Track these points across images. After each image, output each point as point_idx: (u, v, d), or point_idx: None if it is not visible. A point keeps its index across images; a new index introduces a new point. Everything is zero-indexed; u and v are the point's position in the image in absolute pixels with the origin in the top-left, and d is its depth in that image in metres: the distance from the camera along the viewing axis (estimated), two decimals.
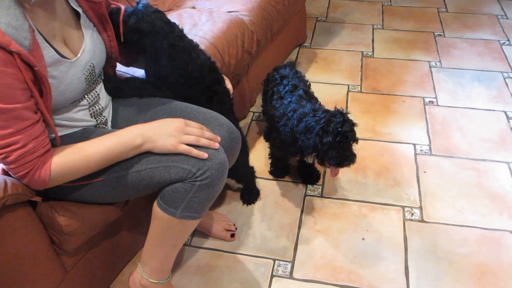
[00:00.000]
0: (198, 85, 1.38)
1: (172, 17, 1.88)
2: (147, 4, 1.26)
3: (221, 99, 1.45)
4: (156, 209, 1.16)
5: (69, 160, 1.03)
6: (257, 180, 1.82)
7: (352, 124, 1.42)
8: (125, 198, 1.21)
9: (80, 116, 1.17)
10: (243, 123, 2.15)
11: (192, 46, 1.36)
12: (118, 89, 1.31)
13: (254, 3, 1.98)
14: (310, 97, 1.65)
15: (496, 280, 1.44)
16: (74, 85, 1.08)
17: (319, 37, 2.79)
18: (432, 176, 1.82)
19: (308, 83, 1.76)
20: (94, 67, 1.15)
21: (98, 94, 1.21)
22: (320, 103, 1.63)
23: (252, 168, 1.74)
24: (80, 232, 1.19)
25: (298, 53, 2.64)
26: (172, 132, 1.09)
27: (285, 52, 2.53)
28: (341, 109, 1.44)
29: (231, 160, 1.30)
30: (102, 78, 1.27)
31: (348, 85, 2.36)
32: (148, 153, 1.10)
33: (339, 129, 1.37)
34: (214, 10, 1.93)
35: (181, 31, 1.34)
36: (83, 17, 1.14)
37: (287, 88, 1.67)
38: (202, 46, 1.67)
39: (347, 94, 2.30)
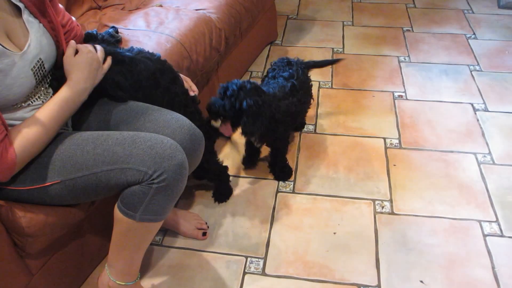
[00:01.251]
0: (156, 90, 1.36)
1: (139, 16, 1.86)
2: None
3: (183, 102, 1.43)
4: (117, 212, 1.14)
5: (28, 134, 1.04)
6: (232, 179, 1.82)
7: (247, 93, 1.49)
8: (86, 200, 1.19)
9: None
10: None
11: (137, 59, 1.33)
12: None
13: (222, 0, 1.97)
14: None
15: (464, 269, 1.46)
16: (22, 79, 1.05)
17: (290, 35, 2.79)
18: (402, 169, 1.84)
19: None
20: (43, 62, 1.13)
21: (51, 93, 1.19)
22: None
23: (225, 167, 1.73)
24: (42, 233, 1.16)
25: (269, 50, 2.64)
26: (97, 66, 1.20)
27: (256, 50, 2.53)
28: (238, 82, 1.52)
29: (193, 162, 1.28)
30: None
31: (319, 82, 2.37)
32: (104, 153, 1.09)
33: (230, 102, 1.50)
34: (181, 8, 1.92)
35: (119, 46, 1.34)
36: (26, 12, 1.11)
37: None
38: (168, 44, 1.66)
39: (318, 90, 2.31)
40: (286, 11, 3.05)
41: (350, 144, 1.97)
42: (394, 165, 1.86)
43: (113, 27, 1.68)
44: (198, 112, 1.51)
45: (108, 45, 1.32)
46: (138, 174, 1.07)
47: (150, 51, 1.61)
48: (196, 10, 1.90)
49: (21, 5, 1.10)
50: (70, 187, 1.10)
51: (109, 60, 1.24)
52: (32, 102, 1.12)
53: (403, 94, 2.26)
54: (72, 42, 1.21)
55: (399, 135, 2.01)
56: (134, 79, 1.30)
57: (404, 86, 2.31)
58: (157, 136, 1.13)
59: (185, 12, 1.86)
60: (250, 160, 1.90)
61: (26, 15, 1.11)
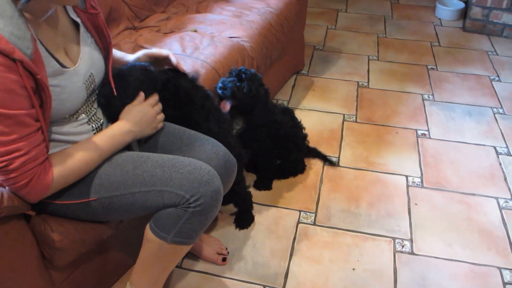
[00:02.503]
0: (192, 106, 1.39)
1: (174, 39, 1.91)
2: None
3: (217, 117, 1.47)
4: (148, 232, 1.16)
5: (69, 163, 1.06)
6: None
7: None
8: (119, 218, 1.21)
9: (79, 130, 1.17)
10: None
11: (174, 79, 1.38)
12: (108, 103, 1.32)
13: (255, 30, 2.02)
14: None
15: None
16: (76, 94, 1.09)
17: (316, 65, 2.84)
18: (423, 209, 1.84)
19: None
20: (94, 77, 1.17)
21: (96, 109, 1.22)
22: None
23: (249, 193, 1.75)
24: (71, 248, 1.19)
25: (295, 80, 2.68)
26: (151, 119, 1.24)
27: (283, 79, 2.58)
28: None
29: (226, 187, 1.31)
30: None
31: (344, 115, 2.40)
32: (143, 174, 1.11)
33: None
34: (215, 35, 1.97)
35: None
36: (82, 28, 1.16)
37: None
38: (203, 70, 1.70)
39: (343, 123, 2.33)
40: (313, 42, 3.10)
41: (372, 180, 1.98)
42: (416, 204, 1.86)
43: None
44: (230, 132, 1.55)
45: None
46: (175, 197, 1.09)
47: None
48: (230, 37, 1.95)
49: (78, 20, 1.15)
50: (106, 205, 1.13)
51: (161, 124, 1.29)
52: (78, 117, 1.16)
53: (426, 132, 2.27)
54: (142, 95, 1.25)
55: (422, 174, 2.01)
56: (175, 99, 1.35)
57: (427, 124, 2.33)
58: (196, 162, 1.15)
59: (220, 39, 1.91)
60: (261, 182, 1.93)
61: (82, 30, 1.15)
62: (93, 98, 1.22)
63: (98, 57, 1.20)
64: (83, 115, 1.17)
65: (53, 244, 1.15)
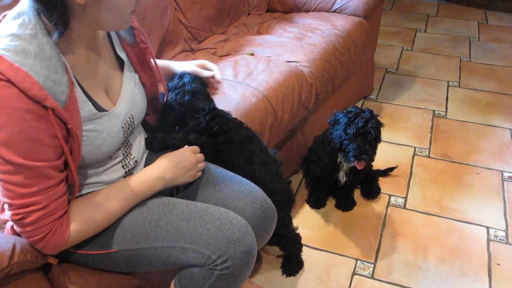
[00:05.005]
0: (229, 144, 1.25)
1: (228, 63, 1.80)
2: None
3: (263, 160, 1.30)
4: None
5: (88, 216, 0.95)
6: (303, 250, 1.64)
7: (378, 123, 1.53)
8: (141, 271, 1.09)
9: (112, 175, 1.07)
10: (294, 178, 1.99)
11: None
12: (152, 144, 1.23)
13: (317, 54, 1.85)
14: None
15: None
16: (112, 138, 0.98)
17: (386, 90, 2.59)
18: (507, 271, 1.54)
19: None
20: (133, 118, 1.06)
21: (131, 145, 1.12)
22: None
23: (298, 235, 1.57)
24: None
25: (362, 105, 2.46)
26: (189, 166, 1.10)
27: (348, 104, 2.36)
28: (371, 109, 1.55)
29: (263, 239, 1.15)
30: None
31: (415, 148, 2.13)
32: (167, 227, 0.99)
33: (363, 123, 1.47)
34: (272, 58, 1.82)
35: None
36: (127, 65, 1.06)
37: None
38: (253, 98, 1.57)
39: (413, 157, 2.07)
40: (385, 64, 2.86)
41: (445, 228, 1.71)
42: (498, 264, 1.56)
43: None
44: (278, 174, 1.38)
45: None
46: (200, 257, 0.95)
47: (235, 104, 1.54)
48: (288, 62, 1.80)
49: (124, 57, 1.05)
50: (127, 258, 1.01)
51: (199, 173, 1.15)
52: (113, 156, 1.06)
53: None
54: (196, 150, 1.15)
55: (507, 226, 1.70)
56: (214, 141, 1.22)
57: None
58: (227, 215, 1.00)
59: (276, 64, 1.76)
60: (319, 201, 1.84)
61: (126, 68, 1.06)
62: (131, 138, 1.12)
63: (140, 96, 1.10)
64: (119, 152, 1.07)
65: None
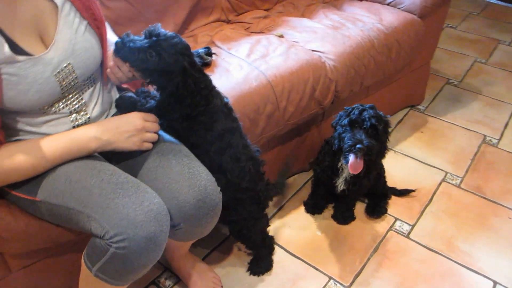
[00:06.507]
0: (206, 132, 1.15)
1: (249, 41, 1.68)
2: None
3: (236, 156, 1.19)
4: (83, 255, 0.99)
5: (17, 161, 0.94)
6: (278, 251, 1.54)
7: (380, 117, 1.37)
8: (66, 226, 1.07)
9: (56, 127, 1.04)
10: (301, 176, 1.86)
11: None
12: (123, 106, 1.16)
13: (348, 47, 1.66)
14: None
15: None
16: (40, 86, 0.95)
17: (439, 103, 2.30)
18: None
19: None
20: (73, 69, 1.00)
21: (84, 102, 1.07)
22: None
23: (268, 239, 1.47)
24: (17, 239, 1.08)
25: (406, 115, 2.21)
26: (132, 131, 1.02)
27: (387, 110, 2.11)
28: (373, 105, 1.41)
29: (196, 230, 1.08)
30: (101, 85, 1.14)
31: (447, 173, 1.88)
32: (81, 191, 0.95)
33: (358, 112, 1.36)
34: (298, 44, 1.68)
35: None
36: (64, 8, 0.99)
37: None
38: (255, 82, 1.47)
39: (440, 183, 1.83)
40: (447, 74, 2.54)
41: (443, 271, 1.49)
42: None
43: (207, 47, 1.54)
44: (257, 173, 1.26)
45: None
46: (100, 229, 0.91)
47: (234, 83, 1.44)
48: (313, 50, 1.64)
49: (59, 1, 0.99)
50: (49, 210, 1.01)
51: (146, 144, 1.07)
52: (58, 110, 1.03)
53: None
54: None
55: None
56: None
57: None
58: (143, 194, 0.95)
59: (297, 50, 1.61)
60: (315, 207, 1.71)
61: (65, 12, 0.99)
62: (79, 91, 1.07)
63: (85, 46, 1.02)
64: (65, 109, 1.04)
65: None
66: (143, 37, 1.02)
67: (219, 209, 1.09)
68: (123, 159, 1.12)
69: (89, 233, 0.95)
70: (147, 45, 0.99)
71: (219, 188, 1.09)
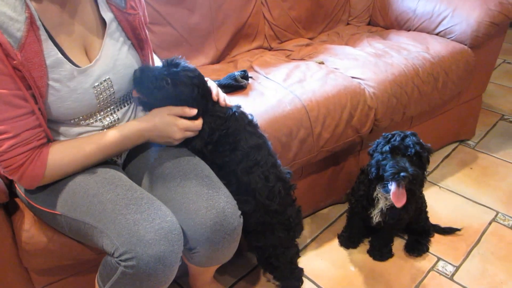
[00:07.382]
0: (231, 152, 1.13)
1: (288, 67, 1.67)
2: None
3: (265, 174, 1.15)
4: (96, 275, 0.98)
5: (67, 155, 0.97)
6: (307, 285, 1.45)
7: (422, 144, 1.30)
8: (84, 242, 1.06)
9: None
10: (335, 208, 1.78)
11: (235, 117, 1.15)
12: None
13: (390, 74, 1.61)
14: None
15: None
16: (78, 95, 0.97)
17: (492, 139, 2.16)
18: None
19: None
20: (111, 83, 1.02)
21: (118, 119, 1.09)
22: None
23: (298, 270, 1.39)
24: (39, 254, 1.09)
25: (454, 149, 2.08)
26: (170, 138, 1.07)
27: (434, 144, 2.03)
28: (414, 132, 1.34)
29: (213, 254, 1.02)
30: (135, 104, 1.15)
31: (498, 213, 1.73)
32: (97, 206, 0.94)
33: (400, 138, 1.29)
34: (338, 70, 1.64)
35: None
36: (111, 26, 1.02)
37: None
38: (289, 106, 1.45)
39: (489, 223, 1.68)
40: (502, 109, 2.39)
41: None
42: None
43: (243, 71, 1.54)
44: (287, 196, 1.21)
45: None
46: (111, 246, 0.89)
47: (268, 107, 1.42)
48: (352, 77, 1.60)
49: (108, 19, 1.02)
50: (69, 224, 1.00)
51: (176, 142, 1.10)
52: (92, 123, 1.05)
53: None
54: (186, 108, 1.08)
55: None
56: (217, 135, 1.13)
57: None
58: (158, 210, 0.92)
59: (336, 76, 1.58)
60: (350, 241, 1.60)
61: (111, 30, 1.03)
62: (114, 108, 1.09)
63: (126, 64, 1.05)
64: (98, 122, 1.06)
65: (20, 244, 1.08)
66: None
67: (237, 234, 1.04)
68: (143, 172, 1.12)
69: (101, 249, 0.93)
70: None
71: (239, 212, 1.05)
